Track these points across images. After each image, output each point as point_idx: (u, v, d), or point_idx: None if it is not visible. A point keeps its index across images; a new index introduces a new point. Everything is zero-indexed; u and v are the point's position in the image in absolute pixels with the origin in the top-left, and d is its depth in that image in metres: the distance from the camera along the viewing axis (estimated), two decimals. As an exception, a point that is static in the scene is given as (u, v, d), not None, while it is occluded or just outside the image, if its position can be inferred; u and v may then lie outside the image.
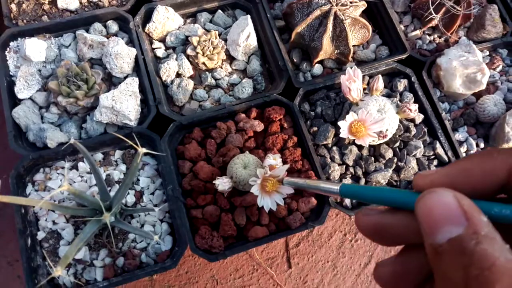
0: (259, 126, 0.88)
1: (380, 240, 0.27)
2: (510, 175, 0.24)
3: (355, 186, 0.36)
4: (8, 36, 0.91)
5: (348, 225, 1.06)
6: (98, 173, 0.74)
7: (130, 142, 0.66)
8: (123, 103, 0.85)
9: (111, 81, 0.93)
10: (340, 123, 0.78)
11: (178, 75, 0.94)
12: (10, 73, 0.90)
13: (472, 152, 0.92)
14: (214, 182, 0.77)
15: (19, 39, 0.92)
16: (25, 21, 0.95)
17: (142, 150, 0.66)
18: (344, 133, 0.79)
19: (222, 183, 0.77)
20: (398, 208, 0.27)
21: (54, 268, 0.61)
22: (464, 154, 0.90)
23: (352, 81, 0.81)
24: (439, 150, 0.88)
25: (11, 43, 0.92)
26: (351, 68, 0.83)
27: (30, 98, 0.89)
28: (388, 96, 0.93)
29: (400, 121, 0.88)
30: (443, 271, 0.22)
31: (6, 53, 0.91)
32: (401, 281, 0.26)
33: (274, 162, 0.76)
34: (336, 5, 0.88)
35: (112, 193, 0.80)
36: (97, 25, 0.94)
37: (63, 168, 0.86)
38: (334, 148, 0.87)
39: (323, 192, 0.44)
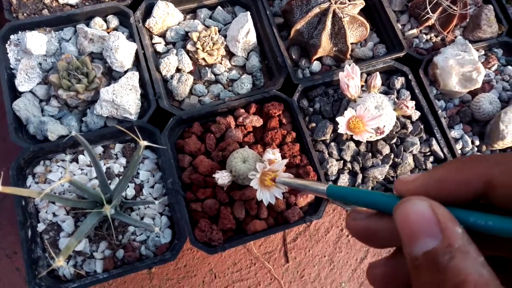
0: (258, 122, 0.89)
1: (370, 243, 0.27)
2: (486, 187, 0.23)
3: (341, 188, 0.36)
4: (8, 29, 0.91)
5: (345, 221, 1.07)
6: (99, 166, 0.74)
7: (132, 135, 0.67)
8: (124, 97, 0.86)
9: (111, 75, 0.94)
10: (338, 119, 0.80)
11: (178, 70, 0.95)
12: (11, 66, 0.91)
13: (467, 149, 0.93)
14: (213, 176, 0.78)
15: (19, 32, 0.93)
16: (25, 14, 0.96)
17: (143, 143, 0.66)
18: (342, 129, 0.80)
19: (222, 177, 0.78)
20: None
21: (56, 259, 0.62)
22: (459, 151, 0.92)
23: (350, 78, 0.83)
24: (435, 147, 0.90)
25: (12, 36, 0.92)
26: (350, 65, 0.84)
27: (31, 91, 0.89)
28: (385, 93, 0.94)
29: (397, 118, 0.89)
30: (420, 285, 0.22)
31: (7, 46, 0.92)
32: (391, 283, 0.27)
33: (273, 157, 0.78)
34: (335, 3, 0.89)
35: (112, 186, 0.81)
36: (98, 20, 0.94)
37: (63, 160, 0.87)
38: (332, 143, 0.88)
39: (312, 192, 0.44)
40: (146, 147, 0.85)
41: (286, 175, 0.74)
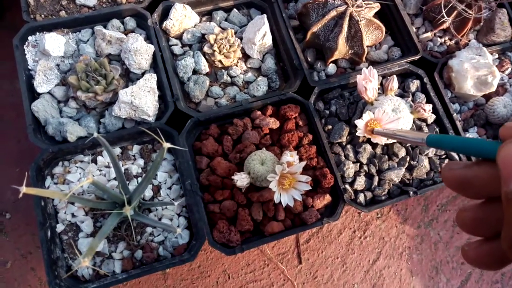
0: (274, 124, 0.89)
1: (464, 192, 0.28)
2: None
3: (441, 136, 0.36)
4: (26, 30, 0.92)
5: (357, 222, 1.08)
6: (119, 167, 0.75)
7: (155, 136, 0.67)
8: (142, 99, 0.86)
9: (128, 77, 0.94)
10: (357, 121, 0.80)
11: (195, 72, 0.96)
12: (29, 67, 0.91)
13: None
14: (232, 177, 0.79)
15: (37, 33, 0.93)
16: (43, 16, 0.96)
17: (166, 145, 0.67)
18: (360, 132, 0.80)
19: (241, 179, 0.79)
20: (483, 160, 0.28)
21: (81, 259, 0.62)
22: (473, 154, 0.92)
23: (368, 80, 0.83)
24: (450, 149, 0.90)
25: (30, 38, 0.93)
26: (367, 68, 0.84)
27: (49, 92, 0.90)
28: (400, 96, 0.95)
29: (413, 121, 0.90)
30: (508, 216, 0.22)
31: (25, 47, 0.92)
32: (480, 227, 0.28)
33: (292, 159, 0.78)
34: (352, 6, 0.90)
35: (130, 187, 0.81)
36: (115, 22, 0.95)
37: (81, 161, 0.87)
38: (348, 146, 0.89)
39: (410, 141, 0.45)
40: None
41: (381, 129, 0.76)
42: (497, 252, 0.27)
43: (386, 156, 0.88)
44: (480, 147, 0.28)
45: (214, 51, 0.94)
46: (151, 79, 0.89)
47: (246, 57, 1.00)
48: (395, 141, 0.87)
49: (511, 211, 0.22)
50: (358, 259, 1.05)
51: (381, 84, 0.95)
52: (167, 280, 0.99)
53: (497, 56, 1.03)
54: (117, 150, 0.89)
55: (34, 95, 0.90)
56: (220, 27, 1.01)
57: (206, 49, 0.95)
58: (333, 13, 0.90)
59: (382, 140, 0.82)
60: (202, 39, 0.99)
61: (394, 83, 0.86)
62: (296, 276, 1.02)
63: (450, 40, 1.04)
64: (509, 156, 0.23)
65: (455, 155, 0.91)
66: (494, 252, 0.27)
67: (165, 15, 0.97)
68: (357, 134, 0.80)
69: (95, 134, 0.67)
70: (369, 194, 0.88)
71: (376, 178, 0.88)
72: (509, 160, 0.23)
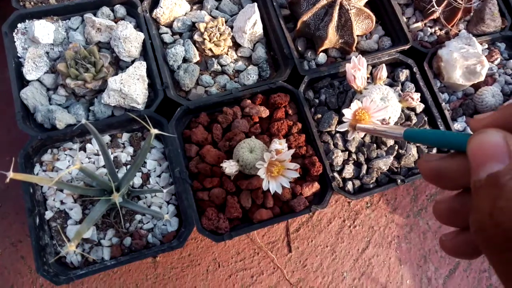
0: (264, 112, 0.90)
1: (439, 184, 0.29)
2: None
3: (417, 130, 0.37)
4: (16, 17, 0.91)
5: (347, 212, 1.08)
6: (107, 154, 0.75)
7: (143, 123, 0.67)
8: (131, 87, 0.86)
9: (118, 65, 0.94)
10: (344, 111, 0.80)
11: (185, 60, 0.95)
12: (18, 54, 0.91)
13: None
14: (221, 165, 0.79)
15: (26, 21, 0.93)
16: (32, 3, 0.96)
17: (154, 131, 0.67)
18: (344, 125, 0.80)
19: (230, 166, 0.79)
20: (457, 152, 0.29)
21: (67, 244, 0.62)
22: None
23: (357, 69, 0.83)
24: (439, 138, 0.91)
25: (19, 25, 0.92)
26: (356, 57, 0.85)
27: (38, 80, 0.90)
28: (390, 85, 0.95)
29: (402, 110, 0.90)
30: (476, 203, 0.23)
31: (14, 34, 0.92)
32: (455, 217, 0.29)
33: (280, 147, 0.79)
34: (342, -5, 0.90)
35: (119, 175, 0.81)
36: (105, 9, 0.95)
37: (70, 149, 0.87)
38: (337, 135, 0.89)
39: (390, 136, 0.48)
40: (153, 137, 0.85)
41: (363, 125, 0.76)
42: (472, 241, 0.28)
43: (375, 145, 0.89)
44: (453, 140, 0.29)
45: (204, 39, 0.93)
46: (140, 67, 0.89)
47: (236, 46, 1.00)
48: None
49: (479, 198, 0.23)
50: (347, 247, 1.06)
51: (370, 73, 0.96)
52: (157, 268, 0.99)
53: (486, 46, 1.04)
54: (107, 138, 0.89)
55: (23, 82, 0.90)
56: (211, 16, 1.01)
57: (196, 37, 0.94)
58: (323, 2, 0.90)
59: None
60: (193, 28, 0.99)
61: (383, 72, 0.87)
62: (286, 265, 1.03)
63: (440, 30, 1.05)
64: (477, 147, 0.24)
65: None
66: (469, 242, 0.28)
67: (155, 3, 0.96)
68: (337, 128, 0.80)
69: (83, 121, 0.68)
70: (357, 182, 0.88)
71: (365, 167, 0.88)
72: (477, 150, 0.24)
